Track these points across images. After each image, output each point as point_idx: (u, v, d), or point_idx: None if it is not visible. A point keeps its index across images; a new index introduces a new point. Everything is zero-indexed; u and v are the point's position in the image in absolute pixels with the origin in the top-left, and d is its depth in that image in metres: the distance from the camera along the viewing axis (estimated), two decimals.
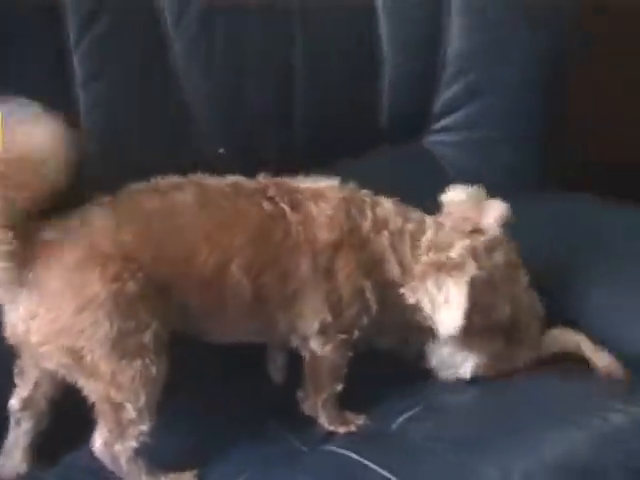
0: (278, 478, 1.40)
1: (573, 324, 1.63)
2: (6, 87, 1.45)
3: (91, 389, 1.32)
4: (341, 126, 1.82)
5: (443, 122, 1.93)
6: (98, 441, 1.35)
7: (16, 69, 1.50)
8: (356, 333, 1.44)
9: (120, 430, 1.32)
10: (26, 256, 1.26)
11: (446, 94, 1.91)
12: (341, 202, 1.41)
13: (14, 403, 1.42)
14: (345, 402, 1.49)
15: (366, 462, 1.36)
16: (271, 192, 1.40)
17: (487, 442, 1.39)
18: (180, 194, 1.36)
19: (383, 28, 1.84)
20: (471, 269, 1.40)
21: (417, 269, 1.41)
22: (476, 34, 1.90)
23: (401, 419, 1.46)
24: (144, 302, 1.29)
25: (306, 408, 1.48)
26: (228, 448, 1.44)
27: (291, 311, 1.40)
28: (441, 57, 1.88)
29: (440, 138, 1.94)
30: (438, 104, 1.91)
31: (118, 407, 1.31)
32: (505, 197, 1.88)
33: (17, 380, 1.41)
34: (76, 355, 1.28)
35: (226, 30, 1.68)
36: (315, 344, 1.43)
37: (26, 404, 1.42)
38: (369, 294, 1.41)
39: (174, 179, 1.39)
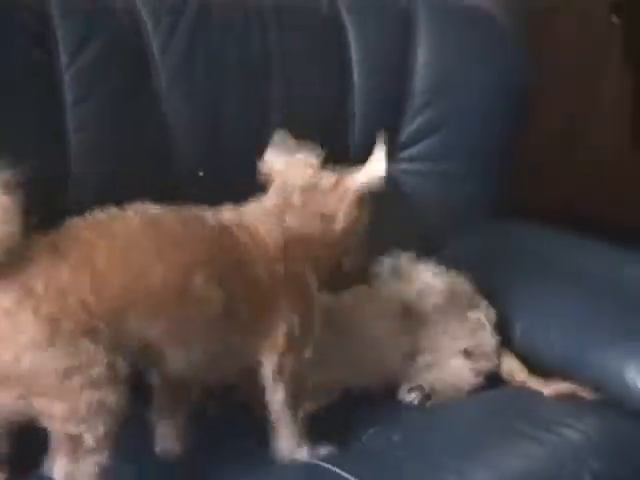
0: None
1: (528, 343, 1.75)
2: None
3: (48, 425, 1.28)
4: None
5: (408, 152, 2.03)
6: (59, 473, 1.31)
7: (10, 90, 1.56)
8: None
9: (79, 458, 1.28)
10: None
11: (411, 126, 2.01)
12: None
13: None
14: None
15: (338, 470, 1.44)
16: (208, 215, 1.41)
17: (450, 452, 1.49)
18: (122, 221, 1.33)
19: (354, 57, 1.94)
20: None
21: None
22: (440, 69, 2.01)
23: (371, 431, 1.55)
24: (89, 337, 1.23)
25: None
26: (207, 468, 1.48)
27: (260, 324, 1.40)
28: (408, 89, 1.99)
29: (405, 167, 2.03)
30: (404, 134, 2.01)
31: (77, 438, 1.27)
32: (465, 225, 2.01)
33: None
34: (25, 401, 1.24)
35: (207, 60, 1.76)
36: (273, 364, 1.42)
37: None
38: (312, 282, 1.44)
39: (114, 210, 1.34)
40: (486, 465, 1.48)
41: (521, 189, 2.16)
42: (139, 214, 1.34)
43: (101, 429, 1.26)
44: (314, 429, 1.48)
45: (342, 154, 1.94)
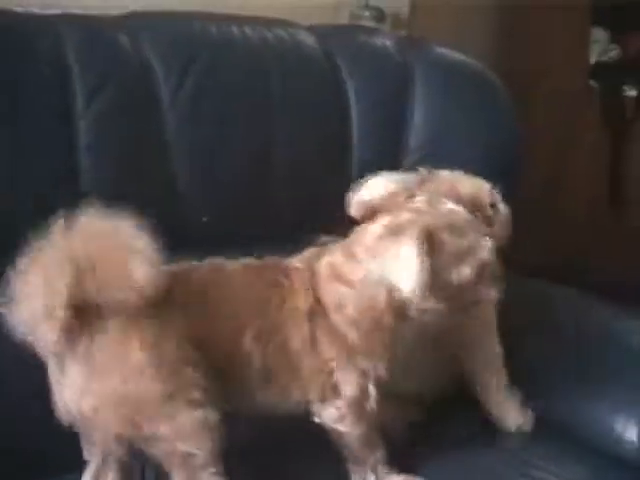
0: None
1: None
2: (15, 149, 1.59)
3: (156, 450, 1.36)
4: (312, 204, 1.97)
5: None
6: None
7: (31, 136, 1.62)
8: (370, 391, 1.45)
9: (196, 473, 1.35)
10: (75, 329, 1.29)
11: None
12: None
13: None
14: None
15: None
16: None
17: None
18: (229, 272, 1.45)
19: (353, 112, 2.01)
20: (421, 221, 1.36)
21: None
22: (436, 125, 2.08)
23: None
24: (186, 363, 1.33)
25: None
26: None
27: (297, 378, 1.43)
28: (404, 143, 2.05)
29: None
30: None
31: (187, 456, 1.34)
32: None
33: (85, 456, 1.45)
34: (133, 424, 1.32)
35: (214, 110, 1.82)
36: (328, 417, 1.46)
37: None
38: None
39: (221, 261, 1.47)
40: None
41: None
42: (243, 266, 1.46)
43: (209, 444, 1.34)
44: None
45: (340, 198, 2.02)
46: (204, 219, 1.79)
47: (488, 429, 1.73)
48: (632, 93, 3.06)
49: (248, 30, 1.91)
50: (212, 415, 1.34)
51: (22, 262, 1.28)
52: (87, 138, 1.67)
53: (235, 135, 1.85)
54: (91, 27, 1.73)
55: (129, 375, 1.30)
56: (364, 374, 1.44)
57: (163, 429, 1.32)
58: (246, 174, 1.87)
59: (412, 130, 2.05)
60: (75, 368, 1.31)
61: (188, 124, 1.79)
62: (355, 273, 1.39)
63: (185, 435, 1.33)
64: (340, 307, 1.40)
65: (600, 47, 3.16)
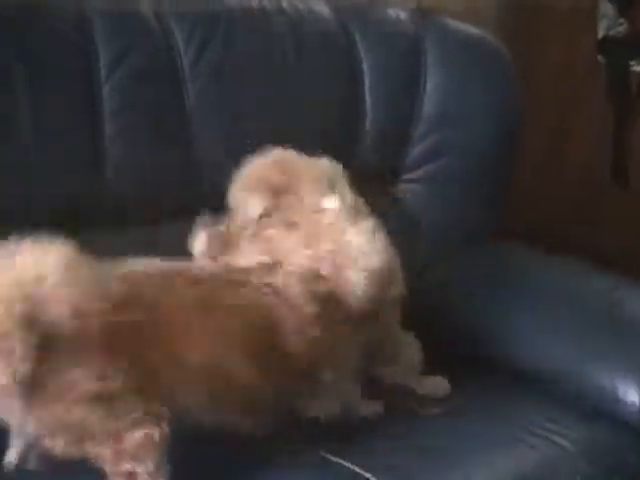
0: None
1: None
2: (40, 118, 1.64)
3: (102, 467, 1.36)
4: None
5: (411, 175, 2.14)
6: None
7: (50, 100, 1.67)
8: None
9: None
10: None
11: (417, 149, 2.13)
12: None
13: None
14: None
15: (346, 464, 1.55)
16: None
17: (451, 453, 1.60)
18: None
19: (366, 82, 2.06)
20: None
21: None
22: (446, 96, 2.13)
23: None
24: (131, 395, 1.32)
25: None
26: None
27: None
28: (416, 115, 2.11)
29: (407, 187, 2.15)
30: (409, 157, 2.13)
31: (131, 475, 1.34)
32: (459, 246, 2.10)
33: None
34: (77, 446, 1.33)
35: (233, 78, 1.88)
36: None
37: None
38: None
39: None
40: (486, 466, 1.59)
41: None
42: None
43: (151, 464, 1.34)
44: None
45: (351, 172, 2.07)
46: None
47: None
48: (639, 69, 3.08)
49: (266, 1, 1.97)
50: (159, 432, 1.34)
51: None
52: (110, 104, 1.72)
53: (253, 102, 1.91)
54: None
55: (75, 403, 1.30)
56: None
57: (105, 452, 1.34)
58: (264, 141, 1.91)
59: (423, 100, 2.11)
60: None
61: (208, 92, 1.84)
62: None
63: (128, 454, 1.34)
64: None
65: (608, 22, 3.18)
